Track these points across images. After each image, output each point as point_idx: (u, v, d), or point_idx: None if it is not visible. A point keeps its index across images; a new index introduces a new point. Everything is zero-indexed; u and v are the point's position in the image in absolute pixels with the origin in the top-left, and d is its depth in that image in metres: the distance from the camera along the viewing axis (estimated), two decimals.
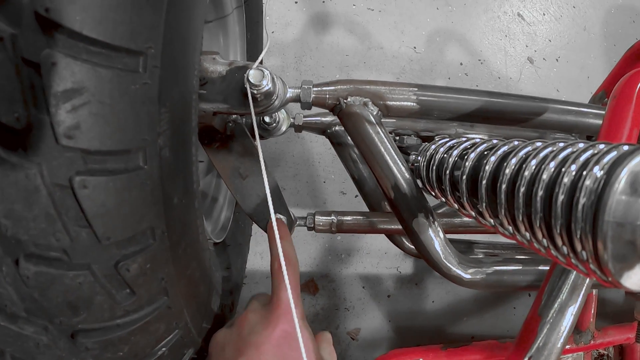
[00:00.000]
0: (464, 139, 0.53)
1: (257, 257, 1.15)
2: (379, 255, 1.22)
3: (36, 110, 0.26)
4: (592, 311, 1.01)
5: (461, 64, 1.50)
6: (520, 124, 0.66)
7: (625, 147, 0.29)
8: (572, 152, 0.32)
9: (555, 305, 0.44)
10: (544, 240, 0.32)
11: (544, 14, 1.83)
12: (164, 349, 0.40)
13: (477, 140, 0.49)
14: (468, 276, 0.58)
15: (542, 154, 0.34)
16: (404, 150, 0.78)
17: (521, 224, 0.34)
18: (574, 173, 0.30)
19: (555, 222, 0.30)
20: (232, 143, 0.66)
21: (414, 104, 0.58)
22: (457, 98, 0.60)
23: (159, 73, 0.29)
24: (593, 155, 0.30)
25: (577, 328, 1.06)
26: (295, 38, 1.36)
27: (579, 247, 0.28)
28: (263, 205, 0.65)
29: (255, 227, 1.11)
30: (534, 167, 0.34)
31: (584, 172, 0.29)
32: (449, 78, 1.46)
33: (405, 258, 1.23)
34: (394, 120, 0.82)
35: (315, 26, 1.39)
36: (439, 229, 0.58)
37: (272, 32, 1.34)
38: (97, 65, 0.26)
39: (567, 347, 1.03)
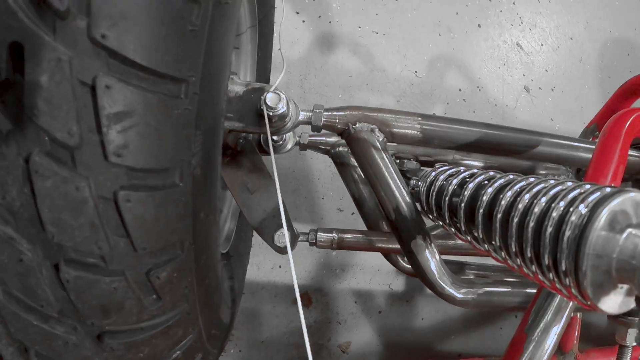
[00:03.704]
0: (462, 169, 0.56)
1: (253, 268, 1.18)
2: (372, 272, 1.25)
3: (88, 128, 0.29)
4: (576, 334, 1.05)
5: (460, 89, 1.55)
6: (515, 156, 0.70)
7: (608, 189, 0.33)
8: (562, 190, 0.36)
9: (541, 325, 0.47)
10: (533, 266, 0.36)
11: (542, 45, 1.89)
12: (178, 352, 0.43)
13: (476, 170, 0.52)
14: (460, 296, 0.62)
15: (535, 189, 0.38)
16: (403, 174, 0.81)
17: (512, 250, 0.38)
18: (562, 209, 0.33)
19: (543, 250, 0.33)
20: (242, 159, 0.69)
21: (418, 132, 0.62)
22: (457, 129, 0.64)
23: (197, 99, 0.33)
24: (580, 194, 0.34)
25: (561, 349, 1.09)
26: (301, 56, 1.40)
27: (562, 273, 0.32)
28: (269, 220, 0.68)
29: (253, 238, 1.14)
30: (527, 201, 0.38)
31: (571, 209, 0.32)
32: (448, 103, 1.51)
33: (398, 276, 1.26)
34: (395, 144, 0.85)
35: (321, 46, 1.43)
36: (435, 250, 0.61)
37: (278, 49, 1.38)
38: (146, 91, 0.30)
39: None
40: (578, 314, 1.04)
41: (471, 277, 0.76)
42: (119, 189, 0.30)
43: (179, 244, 0.35)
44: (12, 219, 0.30)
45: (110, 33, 0.28)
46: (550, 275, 0.34)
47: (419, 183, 0.63)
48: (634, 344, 0.75)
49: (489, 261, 1.05)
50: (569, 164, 0.75)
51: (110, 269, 0.32)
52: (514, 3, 1.91)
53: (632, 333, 0.75)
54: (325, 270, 1.22)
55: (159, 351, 0.40)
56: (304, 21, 1.44)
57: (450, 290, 0.61)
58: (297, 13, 1.44)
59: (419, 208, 0.62)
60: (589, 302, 0.31)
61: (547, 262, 0.33)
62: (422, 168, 0.80)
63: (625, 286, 0.31)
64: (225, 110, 0.41)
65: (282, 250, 0.69)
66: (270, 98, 0.54)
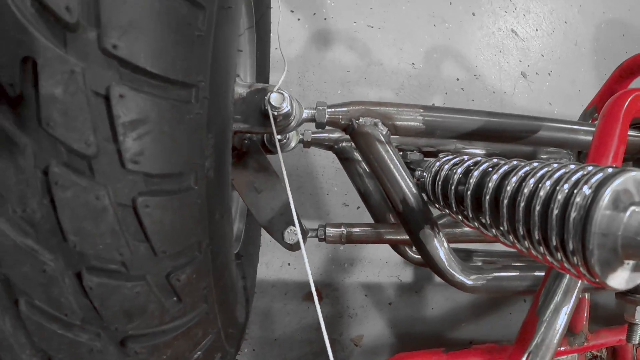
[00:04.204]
0: (466, 157, 0.57)
1: (263, 267, 1.19)
2: (380, 265, 1.26)
3: (104, 138, 0.30)
4: (585, 315, 1.06)
5: (457, 79, 1.56)
6: (517, 142, 0.71)
7: (610, 170, 0.33)
8: (565, 173, 0.37)
9: (551, 306, 0.48)
10: (541, 248, 0.37)
11: (536, 30, 1.89)
12: (199, 352, 0.44)
13: (479, 158, 0.53)
14: (470, 282, 0.63)
15: (539, 174, 0.39)
16: (407, 165, 0.82)
17: (520, 234, 0.38)
18: (566, 191, 0.34)
19: (550, 232, 0.34)
20: (248, 159, 0.70)
21: (420, 124, 0.63)
22: (459, 118, 0.65)
23: (207, 103, 0.34)
24: (583, 176, 0.35)
25: (571, 331, 1.10)
26: (298, 54, 1.41)
27: (570, 253, 0.32)
28: (277, 218, 0.69)
29: (262, 238, 1.15)
30: (532, 185, 0.38)
31: (575, 191, 0.33)
32: (446, 93, 1.51)
33: (406, 267, 1.27)
34: (398, 137, 0.86)
35: (317, 42, 1.44)
36: (443, 239, 0.62)
37: (276, 48, 1.39)
38: (158, 97, 0.30)
39: (562, 349, 1.08)
40: (586, 295, 1.05)
41: (479, 264, 0.76)
42: (137, 196, 0.31)
43: (197, 246, 0.36)
44: (33, 231, 0.31)
45: (121, 43, 0.29)
46: (559, 255, 0.35)
47: (424, 174, 0.64)
48: None
49: (496, 247, 1.06)
50: (569, 147, 0.75)
51: (131, 274, 0.33)
52: None
53: None
54: (334, 265, 1.23)
55: (181, 352, 0.41)
56: (299, 19, 1.44)
57: (460, 277, 0.62)
58: (292, 11, 1.44)
59: (426, 198, 0.63)
60: (597, 280, 0.32)
61: (554, 243, 0.34)
62: (425, 159, 0.81)
63: (632, 262, 0.32)
64: (233, 112, 0.42)
65: (292, 247, 0.70)
66: (274, 98, 0.54)
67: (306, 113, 0.61)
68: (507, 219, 0.40)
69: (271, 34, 1.09)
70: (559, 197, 0.34)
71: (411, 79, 1.49)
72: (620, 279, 0.32)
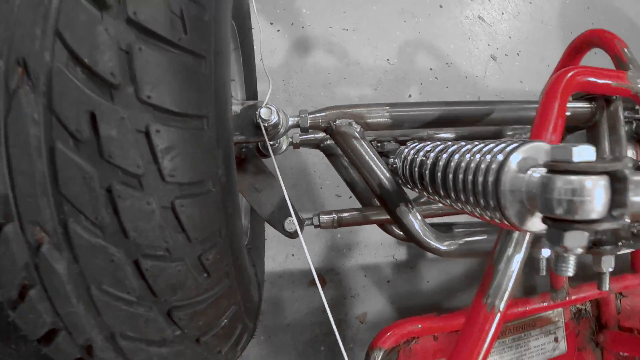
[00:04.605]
0: (428, 143, 0.69)
1: (269, 260, 1.31)
2: (375, 247, 1.38)
3: (148, 161, 0.41)
4: None
5: (431, 69, 1.67)
6: (474, 124, 0.83)
7: (518, 143, 0.45)
8: (491, 148, 0.49)
9: (505, 256, 0.60)
10: (477, 209, 0.48)
11: (502, 13, 2.00)
12: (225, 320, 0.55)
13: (435, 143, 0.65)
14: (444, 247, 0.75)
15: (473, 150, 0.51)
16: (384, 154, 0.94)
17: (463, 200, 0.50)
18: (488, 161, 0.46)
19: (478, 195, 0.46)
20: (247, 165, 0.82)
21: (388, 119, 0.75)
22: (420, 110, 0.77)
23: (215, 127, 0.45)
24: (501, 148, 0.47)
25: (554, 287, 1.22)
26: (281, 63, 1.53)
27: (493, 210, 0.44)
28: (277, 212, 0.81)
29: (267, 234, 1.27)
30: (468, 159, 0.50)
31: (492, 159, 0.45)
32: (421, 83, 1.63)
33: (399, 246, 1.39)
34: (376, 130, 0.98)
35: (298, 50, 1.55)
36: (417, 214, 0.74)
37: (260, 59, 1.50)
38: (182, 129, 0.42)
39: (545, 304, 1.19)
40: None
41: (453, 232, 0.88)
42: (174, 199, 0.42)
43: (218, 232, 0.47)
44: (102, 233, 0.42)
45: (152, 93, 0.40)
46: (488, 213, 0.47)
47: (396, 160, 0.76)
48: (610, 269, 0.88)
49: (471, 218, 1.18)
50: (522, 123, 0.87)
51: (174, 257, 0.44)
52: None
53: (605, 260, 0.88)
54: (334, 252, 1.35)
55: (212, 319, 0.53)
56: (278, 30, 1.56)
57: (435, 244, 0.74)
58: (272, 24, 1.55)
59: (399, 181, 0.75)
60: (517, 227, 0.43)
61: (482, 204, 0.46)
62: (400, 147, 0.93)
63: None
64: (232, 128, 0.53)
65: (292, 235, 0.81)
66: (263, 112, 0.66)
67: (291, 121, 0.73)
68: (453, 189, 0.52)
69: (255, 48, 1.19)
70: (482, 166, 0.46)
71: (387, 74, 1.60)
72: (533, 224, 0.44)
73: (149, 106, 0.40)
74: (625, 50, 0.97)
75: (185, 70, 0.42)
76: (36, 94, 0.40)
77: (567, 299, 1.21)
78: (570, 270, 0.43)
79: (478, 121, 0.81)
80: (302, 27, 1.59)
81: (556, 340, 1.27)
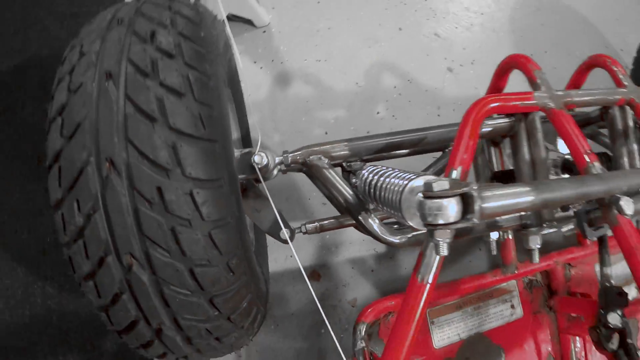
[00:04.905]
0: (376, 167, 0.97)
1: (272, 262, 1.59)
2: (359, 243, 1.66)
3: (193, 210, 0.69)
4: (512, 250, 1.38)
5: (395, 87, 1.95)
6: (415, 148, 1.11)
7: (416, 176, 0.73)
8: (403, 176, 0.77)
9: (430, 244, 0.88)
10: (396, 215, 0.77)
11: (456, 27, 2.26)
12: (245, 303, 0.83)
13: (380, 167, 0.93)
14: (397, 240, 1.03)
15: (392, 175, 0.79)
16: (352, 171, 1.22)
17: (387, 210, 0.79)
18: (397, 186, 0.74)
19: (394, 207, 0.75)
20: (248, 192, 1.10)
21: (347, 151, 1.04)
22: (370, 142, 1.05)
23: (228, 182, 0.73)
24: (405, 178, 0.75)
25: (503, 263, 1.47)
26: (267, 96, 1.81)
27: (401, 217, 0.73)
28: (273, 226, 1.09)
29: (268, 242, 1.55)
30: (387, 182, 0.79)
31: (399, 186, 0.74)
32: (387, 100, 1.91)
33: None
34: None
35: (280, 83, 1.84)
36: (375, 218, 1.02)
37: (249, 95, 1.78)
38: (210, 188, 0.70)
39: (496, 278, 1.45)
40: (510, 235, 1.38)
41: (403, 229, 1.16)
42: (210, 230, 0.70)
43: (237, 246, 0.75)
44: (169, 255, 0.70)
45: (191, 170, 0.68)
46: (400, 217, 0.75)
47: (356, 180, 1.04)
48: (537, 246, 1.14)
49: None
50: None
51: (212, 264, 0.71)
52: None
53: (532, 239, 1.13)
54: (324, 250, 1.63)
55: (237, 303, 0.81)
56: (261, 67, 1.84)
57: (390, 238, 1.02)
58: (255, 62, 1.84)
59: (360, 196, 1.03)
60: (412, 227, 0.72)
61: (397, 213, 0.74)
62: (362, 167, 1.21)
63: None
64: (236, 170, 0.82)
65: (286, 242, 1.09)
66: (256, 158, 0.94)
67: (277, 160, 1.01)
68: (382, 202, 0.80)
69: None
70: (395, 189, 0.75)
71: (358, 96, 1.88)
72: (416, 223, 0.72)
73: (190, 179, 0.68)
74: (537, 71, 1.21)
75: (207, 152, 0.70)
76: (121, 178, 0.68)
77: (517, 272, 1.41)
78: (444, 251, 0.71)
79: (416, 145, 1.10)
80: (282, 63, 1.87)
81: (512, 307, 1.46)
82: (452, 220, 0.64)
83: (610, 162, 1.27)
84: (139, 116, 0.67)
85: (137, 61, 0.69)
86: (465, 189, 0.65)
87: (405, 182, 0.72)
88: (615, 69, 1.29)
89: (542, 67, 2.33)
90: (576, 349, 1.43)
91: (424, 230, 0.72)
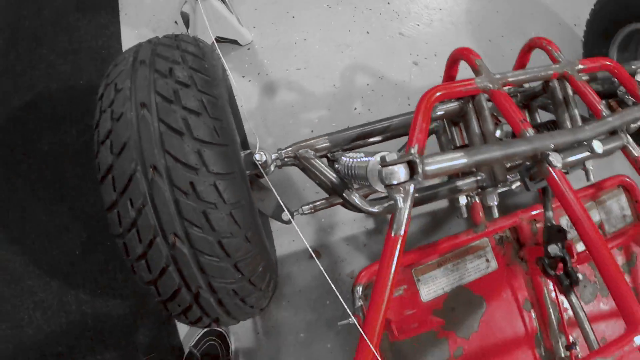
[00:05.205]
0: (351, 153, 1.22)
1: (278, 247, 1.83)
2: (350, 223, 1.91)
3: (217, 196, 0.94)
4: (480, 212, 1.61)
5: (367, 84, 2.21)
6: (384, 134, 1.36)
7: (378, 154, 0.99)
8: (367, 156, 1.02)
9: (399, 206, 1.13)
10: (365, 186, 1.02)
11: (418, 25, 2.51)
12: (261, 267, 1.08)
13: (353, 153, 1.18)
14: (376, 210, 1.28)
15: (356, 156, 1.04)
16: (334, 159, 1.47)
17: (360, 182, 1.04)
18: (365, 161, 1.00)
19: (362, 178, 1.00)
20: (252, 186, 1.34)
21: (328, 143, 1.29)
22: (346, 134, 1.30)
23: (239, 174, 0.98)
24: (372, 155, 1.00)
25: (474, 223, 1.70)
26: (257, 105, 2.06)
27: (369, 185, 0.98)
28: (276, 210, 1.34)
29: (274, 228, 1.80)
30: (357, 160, 1.04)
31: (366, 160, 0.99)
32: (362, 97, 2.16)
33: (367, 219, 1.93)
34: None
35: (267, 93, 2.09)
36: (356, 193, 1.27)
37: (242, 105, 2.03)
38: (227, 179, 0.95)
39: (470, 236, 1.68)
40: (477, 199, 1.56)
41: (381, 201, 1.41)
42: (231, 210, 0.95)
43: (251, 222, 1.00)
44: (202, 231, 0.95)
45: (214, 168, 0.93)
46: (367, 185, 1.00)
47: (339, 166, 1.29)
48: (495, 203, 1.38)
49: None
50: None
51: (235, 236, 0.96)
52: (388, 3, 2.55)
53: (489, 197, 1.38)
54: (322, 232, 1.89)
55: (254, 267, 1.05)
56: (249, 81, 2.09)
57: (370, 209, 1.27)
58: (244, 77, 2.09)
59: (342, 178, 1.28)
60: (377, 191, 0.97)
61: (365, 182, 1.00)
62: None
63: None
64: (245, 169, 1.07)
65: (287, 223, 1.34)
66: (257, 157, 1.19)
67: (273, 156, 1.26)
68: (355, 177, 1.06)
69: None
70: (362, 165, 1.00)
71: (336, 96, 2.14)
72: (380, 188, 0.98)
73: (213, 174, 0.93)
74: (477, 60, 1.44)
75: (223, 153, 0.95)
76: (163, 179, 0.93)
77: (486, 230, 1.59)
78: (403, 204, 0.96)
79: (384, 132, 1.35)
80: (267, 74, 2.12)
81: (487, 260, 1.62)
82: (402, 180, 0.89)
83: (556, 127, 1.51)
84: (170, 132, 0.92)
85: (163, 92, 0.94)
86: (409, 157, 0.91)
87: (369, 158, 0.98)
88: (549, 48, 1.52)
89: (500, 50, 2.63)
90: (549, 292, 1.60)
91: (387, 193, 0.97)
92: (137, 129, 0.93)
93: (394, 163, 0.88)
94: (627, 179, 1.78)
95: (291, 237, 1.87)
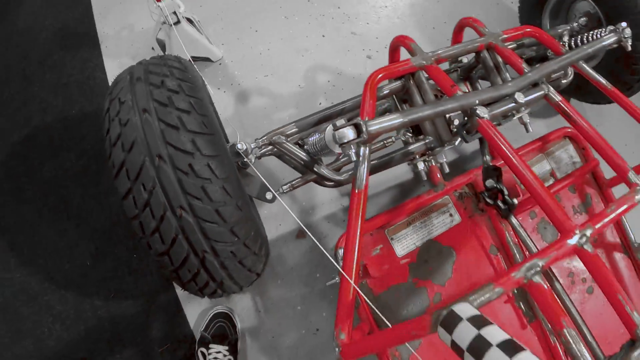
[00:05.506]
0: (316, 133, 1.49)
1: (267, 232, 2.08)
2: (329, 203, 2.15)
3: (210, 175, 1.19)
4: (438, 173, 1.77)
5: (328, 81, 2.47)
6: (341, 116, 1.63)
7: (333, 125, 1.25)
8: (328, 127, 1.29)
9: (358, 166, 1.39)
10: (322, 154, 1.29)
11: (367, 23, 2.77)
12: (252, 232, 1.32)
13: (316, 133, 1.45)
14: (342, 178, 1.54)
15: (323, 128, 1.31)
16: (304, 143, 1.73)
17: (320, 153, 1.31)
18: (323, 131, 1.26)
19: (323, 147, 1.26)
20: (239, 172, 1.59)
21: (297, 128, 1.55)
22: (310, 118, 1.56)
23: (230, 163, 1.24)
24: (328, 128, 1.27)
25: (433, 184, 1.93)
26: (234, 112, 2.31)
27: (330, 150, 1.25)
28: (260, 191, 1.59)
29: (262, 215, 2.04)
30: (318, 137, 1.31)
31: (327, 132, 1.25)
32: (325, 93, 2.42)
33: (343, 197, 2.18)
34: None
35: (241, 100, 2.34)
36: (325, 166, 1.53)
37: (221, 114, 2.27)
38: (221, 164, 1.21)
39: (431, 196, 1.90)
40: (433, 162, 1.69)
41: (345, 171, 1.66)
42: (223, 185, 1.20)
43: (241, 195, 1.24)
44: (203, 203, 1.20)
45: (206, 151, 1.19)
46: (327, 151, 1.26)
47: (307, 146, 1.55)
48: (444, 160, 1.65)
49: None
50: None
51: (228, 206, 1.21)
52: (339, 7, 2.82)
53: (438, 156, 1.65)
54: (304, 213, 2.12)
55: (248, 231, 1.28)
56: (224, 92, 2.34)
57: (337, 177, 1.53)
58: (219, 89, 2.34)
59: (312, 156, 1.54)
60: (335, 151, 1.24)
61: (325, 150, 1.26)
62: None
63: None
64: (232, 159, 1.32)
65: (271, 201, 1.59)
66: (239, 146, 1.45)
67: (252, 145, 1.51)
68: (319, 150, 1.32)
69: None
70: (322, 135, 1.26)
71: (302, 95, 2.39)
72: (336, 148, 1.25)
73: (205, 156, 1.18)
74: (412, 44, 1.61)
75: (211, 140, 1.21)
76: (167, 164, 1.18)
77: (445, 188, 1.69)
78: (355, 157, 1.22)
79: (341, 114, 1.62)
80: (239, 84, 2.38)
81: (451, 215, 1.73)
82: (351, 138, 1.15)
83: None
84: (169, 128, 1.17)
85: (159, 99, 1.20)
86: (355, 121, 1.17)
87: (328, 128, 1.24)
88: (475, 25, 1.74)
89: (444, 35, 2.93)
90: (510, 236, 1.74)
91: (342, 151, 1.23)
92: (142, 129, 1.18)
93: (343, 126, 1.14)
94: (570, 129, 1.92)
95: (276, 221, 2.09)
